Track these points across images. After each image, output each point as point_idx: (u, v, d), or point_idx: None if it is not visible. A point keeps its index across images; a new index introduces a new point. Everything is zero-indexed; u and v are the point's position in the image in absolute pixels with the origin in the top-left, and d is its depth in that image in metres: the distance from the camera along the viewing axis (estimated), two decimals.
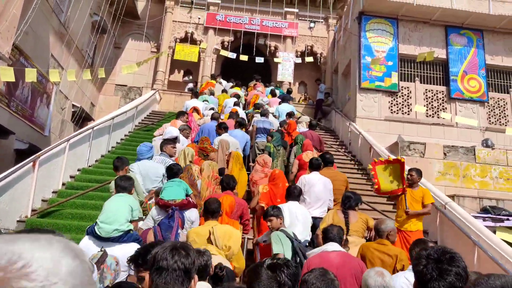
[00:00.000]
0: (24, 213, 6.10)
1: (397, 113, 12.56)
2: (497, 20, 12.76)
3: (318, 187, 5.50)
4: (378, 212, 7.31)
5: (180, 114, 7.90)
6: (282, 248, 3.75)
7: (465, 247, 6.00)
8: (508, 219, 6.68)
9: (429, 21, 13.23)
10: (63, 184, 7.33)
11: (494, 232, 6.01)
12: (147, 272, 2.11)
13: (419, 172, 5.71)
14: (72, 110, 13.42)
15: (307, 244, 4.01)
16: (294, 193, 4.89)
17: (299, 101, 16.64)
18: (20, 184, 5.99)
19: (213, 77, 14.40)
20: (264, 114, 8.73)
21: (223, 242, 3.29)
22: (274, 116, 9.78)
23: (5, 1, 7.09)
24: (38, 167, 6.38)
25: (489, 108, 12.70)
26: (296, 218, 4.59)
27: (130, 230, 3.67)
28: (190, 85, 15.68)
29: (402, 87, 12.82)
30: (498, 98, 12.85)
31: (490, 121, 12.57)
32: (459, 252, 5.51)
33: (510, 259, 5.40)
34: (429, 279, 1.58)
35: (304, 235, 4.55)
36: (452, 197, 7.52)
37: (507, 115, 12.66)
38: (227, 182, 4.94)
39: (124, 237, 3.59)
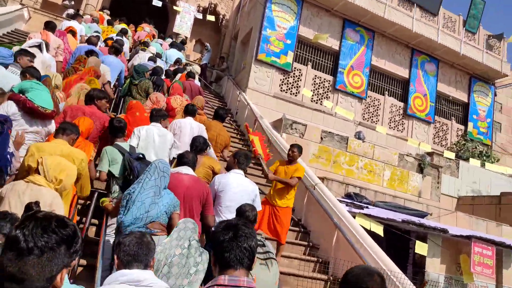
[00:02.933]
0: None
1: (286, 92, 12.68)
2: (388, 25, 13.67)
3: (191, 131, 5.24)
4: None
5: (49, 25, 6.40)
6: (106, 166, 3.81)
7: (327, 228, 6.19)
8: (367, 207, 7.14)
9: (331, 11, 13.54)
10: None
11: (354, 218, 6.31)
12: None
13: (300, 149, 5.58)
14: None
15: None
16: (155, 116, 4.60)
17: (194, 61, 15.70)
18: None
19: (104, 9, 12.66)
20: (153, 59, 7.86)
21: (53, 174, 2.92)
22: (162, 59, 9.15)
23: None
24: None
25: (365, 105, 13.68)
26: (153, 142, 4.40)
27: None
28: (71, 10, 13.48)
29: (295, 68, 12.95)
30: (374, 98, 13.91)
31: (364, 117, 13.56)
32: (321, 232, 5.44)
33: (364, 244, 5.70)
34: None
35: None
36: (322, 179, 7.75)
37: (379, 115, 13.82)
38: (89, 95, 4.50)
39: None
